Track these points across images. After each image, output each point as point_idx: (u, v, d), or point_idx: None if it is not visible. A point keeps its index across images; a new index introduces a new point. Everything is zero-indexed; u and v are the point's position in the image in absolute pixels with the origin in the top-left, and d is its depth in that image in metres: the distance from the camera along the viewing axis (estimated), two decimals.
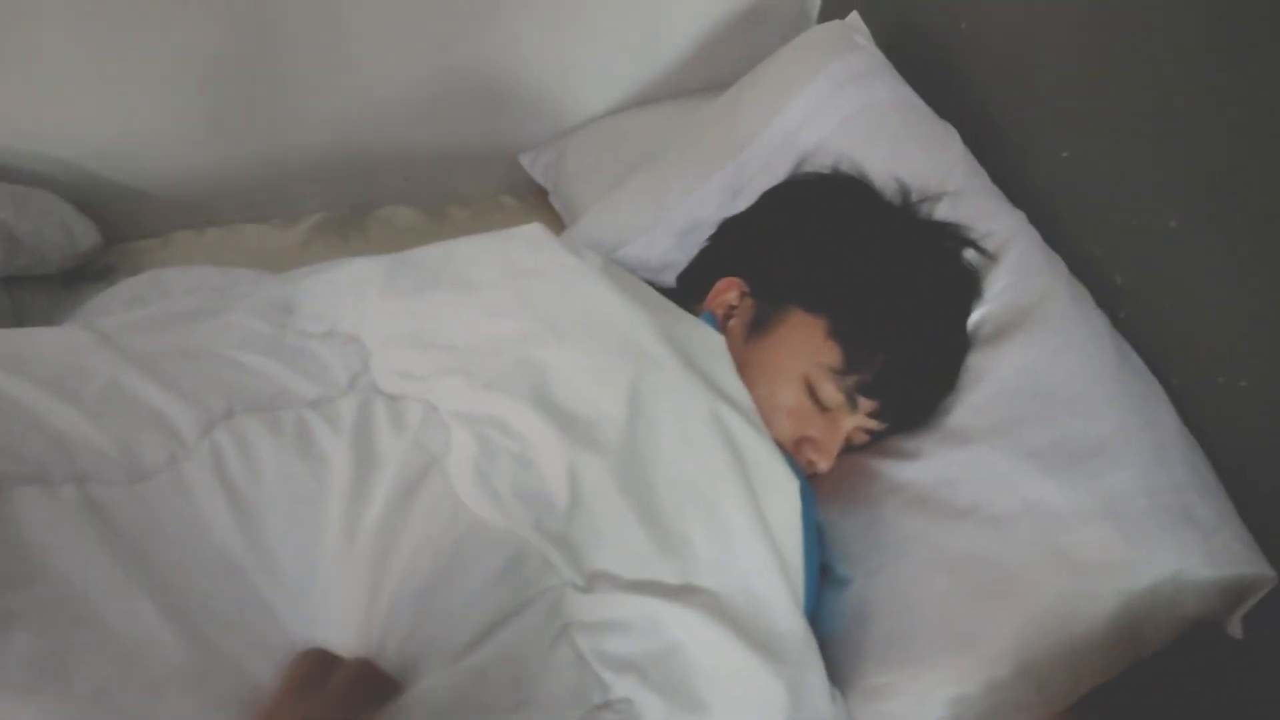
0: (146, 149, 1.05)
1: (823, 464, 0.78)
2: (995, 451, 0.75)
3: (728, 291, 0.83)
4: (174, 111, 1.04)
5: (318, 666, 0.47)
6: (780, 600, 0.65)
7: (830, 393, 0.77)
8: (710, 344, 0.74)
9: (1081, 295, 0.81)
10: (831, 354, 0.77)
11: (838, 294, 0.78)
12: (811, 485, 0.76)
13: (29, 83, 0.96)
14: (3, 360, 0.65)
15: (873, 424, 0.79)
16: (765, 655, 0.63)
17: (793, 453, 0.77)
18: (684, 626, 0.62)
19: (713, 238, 0.91)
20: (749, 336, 0.80)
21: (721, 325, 0.81)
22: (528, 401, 0.64)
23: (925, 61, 1.01)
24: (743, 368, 0.73)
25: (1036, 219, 0.86)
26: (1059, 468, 0.72)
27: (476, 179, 1.23)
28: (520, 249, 0.77)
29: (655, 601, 0.61)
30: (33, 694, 0.49)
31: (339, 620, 0.56)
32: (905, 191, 0.87)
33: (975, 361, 0.80)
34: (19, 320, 0.95)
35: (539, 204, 1.24)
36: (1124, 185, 0.80)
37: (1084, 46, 0.84)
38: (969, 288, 0.83)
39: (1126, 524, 0.69)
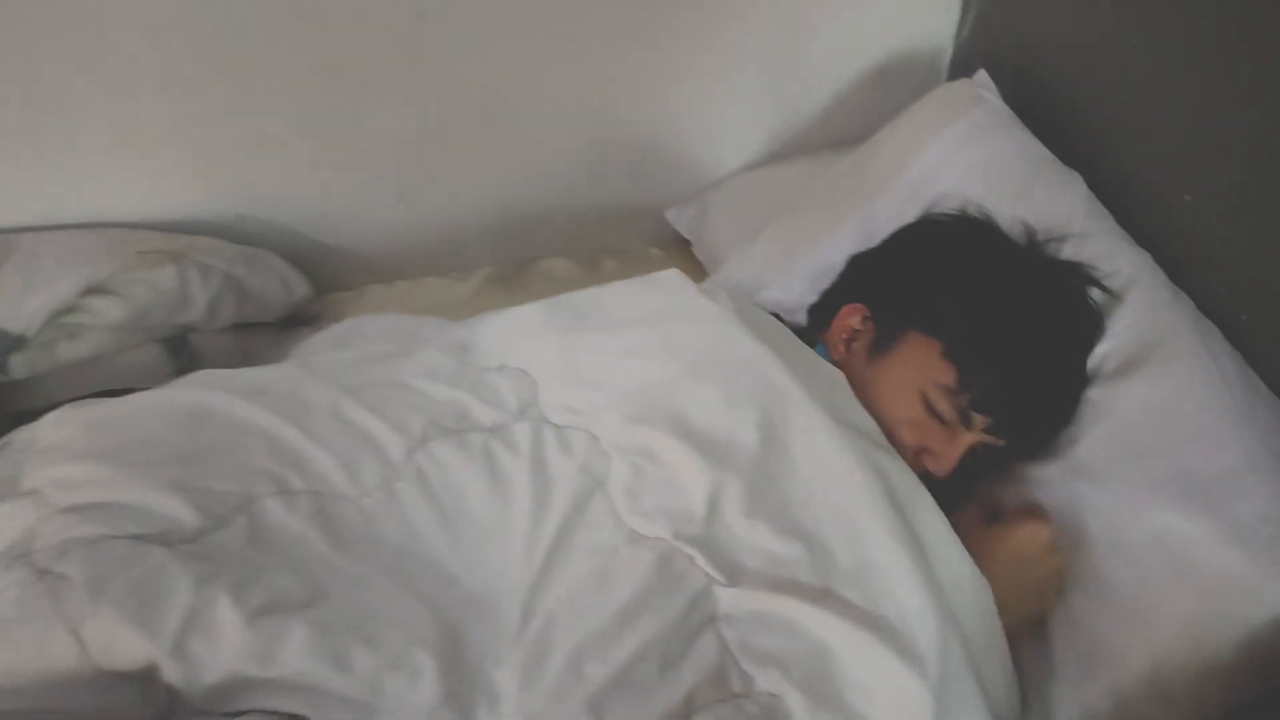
0: (348, 215, 1.22)
1: (940, 473, 0.82)
2: (1121, 482, 0.78)
3: (851, 317, 0.90)
4: (371, 183, 1.20)
5: None
6: (927, 610, 0.66)
7: (946, 408, 0.82)
8: (833, 377, 0.81)
9: (1208, 330, 0.84)
10: (946, 372, 0.82)
11: (953, 317, 0.83)
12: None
13: (260, 162, 1.14)
14: (246, 392, 0.79)
15: (990, 439, 0.83)
16: (911, 664, 0.64)
17: (912, 463, 0.81)
18: (827, 630, 0.65)
19: (843, 272, 0.98)
20: (870, 356, 0.87)
21: (845, 348, 0.88)
22: (672, 433, 0.73)
23: (1051, 114, 1.06)
24: (866, 385, 0.80)
25: (1161, 260, 0.89)
26: (1184, 496, 0.75)
27: (626, 233, 1.35)
28: (660, 293, 0.86)
29: (797, 603, 0.66)
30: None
31: (508, 608, 0.66)
32: (1031, 232, 0.91)
33: (1100, 396, 0.84)
34: (246, 359, 1.12)
35: (683, 255, 1.33)
36: (1244, 225, 0.83)
37: (1204, 97, 0.87)
38: (1088, 321, 0.86)
39: (1254, 550, 0.71)
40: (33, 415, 0.88)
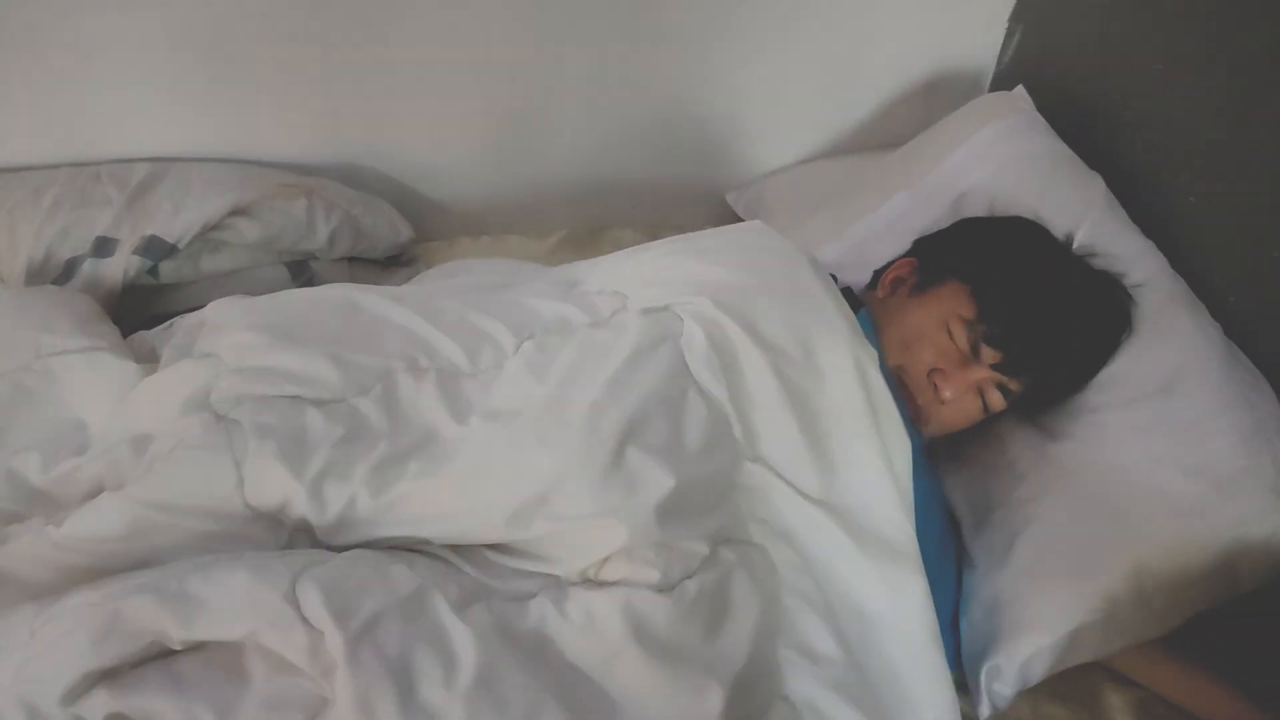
0: (450, 172, 1.39)
1: (945, 392, 0.94)
2: (1115, 421, 0.93)
3: (902, 267, 1.05)
4: (473, 147, 1.37)
5: None
6: (896, 518, 0.82)
7: (961, 338, 0.95)
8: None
9: (1197, 306, 0.99)
10: (968, 307, 0.96)
11: (987, 267, 0.98)
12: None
13: (383, 118, 1.31)
14: (387, 294, 0.94)
15: (998, 376, 0.95)
16: (877, 559, 0.80)
17: (924, 383, 0.95)
18: (813, 524, 0.81)
19: (908, 250, 1.10)
20: (910, 295, 1.01)
21: (891, 290, 1.03)
22: (743, 327, 0.85)
23: (1080, 125, 1.20)
24: (903, 317, 0.94)
25: (1164, 248, 1.04)
26: (1167, 435, 0.89)
27: (689, 210, 1.50)
28: (748, 235, 0.99)
29: (795, 495, 0.82)
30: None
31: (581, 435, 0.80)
32: (1070, 240, 1.04)
33: None
34: None
35: None
36: (1240, 223, 0.98)
37: (1215, 112, 1.02)
38: (1117, 314, 0.99)
39: (1220, 480, 0.85)
40: (170, 318, 1.03)
